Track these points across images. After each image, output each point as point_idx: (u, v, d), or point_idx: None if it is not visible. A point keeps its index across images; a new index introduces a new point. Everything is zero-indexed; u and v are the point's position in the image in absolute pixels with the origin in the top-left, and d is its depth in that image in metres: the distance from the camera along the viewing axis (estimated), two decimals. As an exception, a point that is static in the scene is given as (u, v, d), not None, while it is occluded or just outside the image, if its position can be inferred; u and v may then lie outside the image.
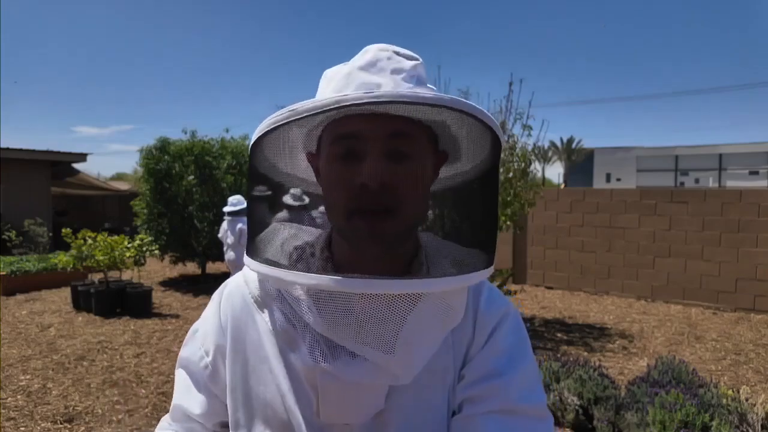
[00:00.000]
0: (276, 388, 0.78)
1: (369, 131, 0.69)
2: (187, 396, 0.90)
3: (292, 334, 0.77)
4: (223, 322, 0.85)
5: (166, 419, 0.96)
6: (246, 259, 0.74)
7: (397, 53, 0.76)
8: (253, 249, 0.75)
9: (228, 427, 0.85)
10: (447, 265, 0.76)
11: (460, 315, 0.77)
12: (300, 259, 0.78)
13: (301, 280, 0.67)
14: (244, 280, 0.86)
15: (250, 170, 0.77)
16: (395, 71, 0.73)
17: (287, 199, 0.84)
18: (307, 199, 0.86)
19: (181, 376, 0.92)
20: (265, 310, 0.81)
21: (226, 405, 0.85)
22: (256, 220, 0.79)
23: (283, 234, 0.81)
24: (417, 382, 0.75)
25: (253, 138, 0.73)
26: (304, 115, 0.66)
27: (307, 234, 0.83)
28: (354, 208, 0.70)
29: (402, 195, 0.70)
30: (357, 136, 0.70)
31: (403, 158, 0.70)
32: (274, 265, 0.71)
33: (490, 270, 0.72)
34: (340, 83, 0.74)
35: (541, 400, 0.80)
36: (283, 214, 0.82)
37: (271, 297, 0.80)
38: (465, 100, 0.65)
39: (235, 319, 0.84)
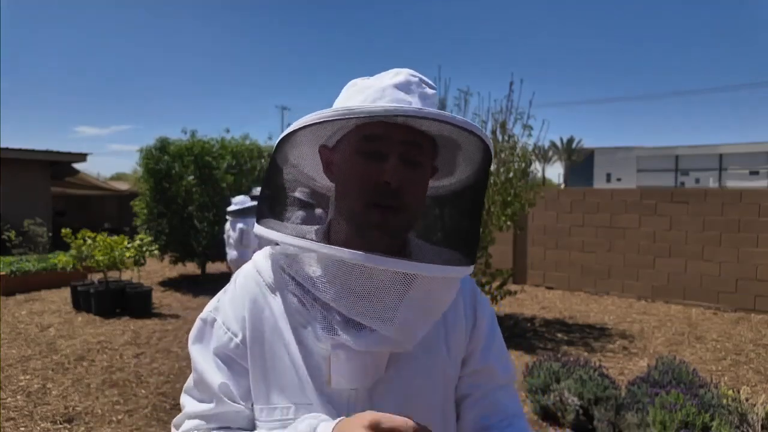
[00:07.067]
0: (291, 361, 0.87)
1: (396, 137, 0.82)
2: (226, 379, 0.89)
3: (303, 313, 0.87)
4: (242, 304, 0.92)
5: (190, 423, 0.91)
6: (271, 232, 0.85)
7: (423, 81, 0.90)
8: (273, 223, 0.88)
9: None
10: (440, 257, 0.89)
11: (452, 297, 0.90)
12: (314, 235, 0.91)
13: (323, 250, 0.79)
14: (256, 269, 0.95)
15: (279, 156, 0.89)
16: (422, 96, 0.87)
17: (305, 186, 0.97)
18: (320, 189, 0.99)
19: (215, 364, 0.90)
20: (278, 294, 0.90)
21: None
22: (278, 200, 0.91)
23: (299, 213, 0.94)
24: (412, 353, 0.88)
25: (299, 126, 0.82)
26: (363, 115, 0.78)
27: (314, 215, 0.98)
28: (372, 199, 0.82)
29: (411, 196, 0.84)
30: (385, 139, 0.82)
31: (417, 165, 0.84)
32: (296, 236, 0.83)
33: (472, 267, 0.86)
34: (375, 95, 0.86)
35: (513, 371, 1.04)
36: (300, 198, 0.95)
37: (283, 282, 0.90)
38: (482, 130, 0.82)
39: (252, 302, 0.91)
